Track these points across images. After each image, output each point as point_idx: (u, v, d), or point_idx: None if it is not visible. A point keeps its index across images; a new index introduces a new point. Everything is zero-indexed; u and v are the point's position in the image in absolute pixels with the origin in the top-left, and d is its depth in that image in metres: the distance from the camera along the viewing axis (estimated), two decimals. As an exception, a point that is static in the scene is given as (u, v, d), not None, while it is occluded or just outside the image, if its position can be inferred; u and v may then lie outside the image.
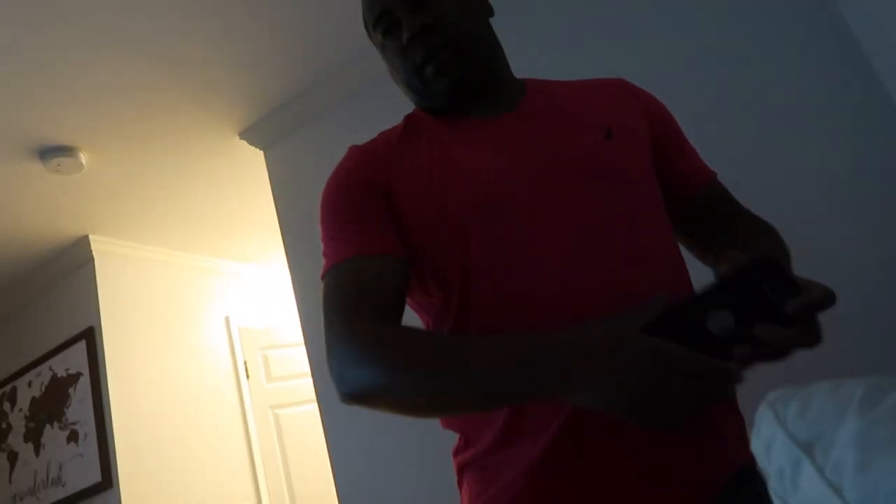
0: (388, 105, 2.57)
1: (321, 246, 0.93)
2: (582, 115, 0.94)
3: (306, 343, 2.59)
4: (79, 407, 3.08)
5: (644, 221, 0.88)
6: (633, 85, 1.05)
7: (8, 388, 3.41)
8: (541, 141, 0.91)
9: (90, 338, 3.13)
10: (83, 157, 2.66)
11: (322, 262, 0.91)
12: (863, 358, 1.63)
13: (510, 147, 0.90)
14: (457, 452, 0.92)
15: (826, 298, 0.68)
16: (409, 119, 1.00)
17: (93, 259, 3.24)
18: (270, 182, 2.82)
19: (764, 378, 1.74)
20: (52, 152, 2.59)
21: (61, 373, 3.21)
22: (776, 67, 1.91)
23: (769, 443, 0.45)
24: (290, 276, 2.70)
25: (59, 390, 3.19)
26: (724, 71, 1.97)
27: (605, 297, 0.78)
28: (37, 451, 3.19)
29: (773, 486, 0.44)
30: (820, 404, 0.43)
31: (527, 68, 1.16)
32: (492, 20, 1.01)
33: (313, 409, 3.43)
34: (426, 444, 2.12)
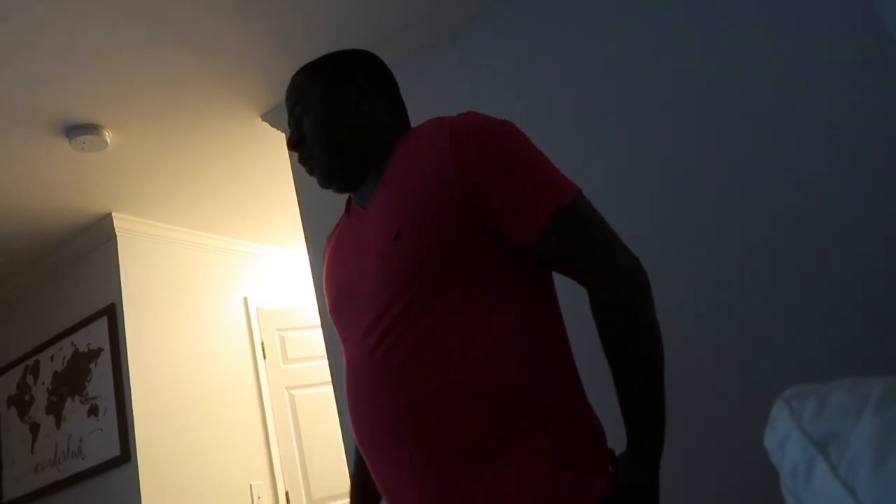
0: (414, 87, 2.57)
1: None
2: (386, 211, 1.02)
3: (323, 326, 2.61)
4: (99, 382, 3.14)
5: (418, 323, 0.94)
6: (453, 131, 0.97)
7: (31, 361, 3.48)
8: (346, 267, 1.08)
9: (111, 314, 3.17)
10: (108, 136, 2.69)
11: None
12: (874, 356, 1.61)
13: (339, 267, 1.11)
14: None
15: None
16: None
17: (115, 237, 3.28)
18: (291, 164, 2.83)
19: (780, 375, 1.72)
20: (77, 130, 2.62)
21: (83, 348, 3.26)
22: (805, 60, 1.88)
23: (783, 439, 0.45)
24: (308, 259, 2.72)
25: (80, 365, 3.25)
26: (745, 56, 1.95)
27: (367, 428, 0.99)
28: (58, 424, 3.26)
29: (786, 483, 0.44)
30: (837, 402, 0.43)
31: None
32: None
33: (328, 391, 3.47)
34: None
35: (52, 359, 3.39)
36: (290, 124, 1.16)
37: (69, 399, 3.25)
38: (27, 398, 3.44)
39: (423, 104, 2.50)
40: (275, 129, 2.88)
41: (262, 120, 2.85)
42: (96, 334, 3.22)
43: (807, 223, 1.80)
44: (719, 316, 1.86)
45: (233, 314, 3.67)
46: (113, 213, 3.26)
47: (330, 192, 2.65)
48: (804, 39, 1.89)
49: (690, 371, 1.85)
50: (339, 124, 1.10)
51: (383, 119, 1.12)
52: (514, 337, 0.94)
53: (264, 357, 3.71)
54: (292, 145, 1.13)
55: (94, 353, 3.20)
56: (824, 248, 1.76)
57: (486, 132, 0.97)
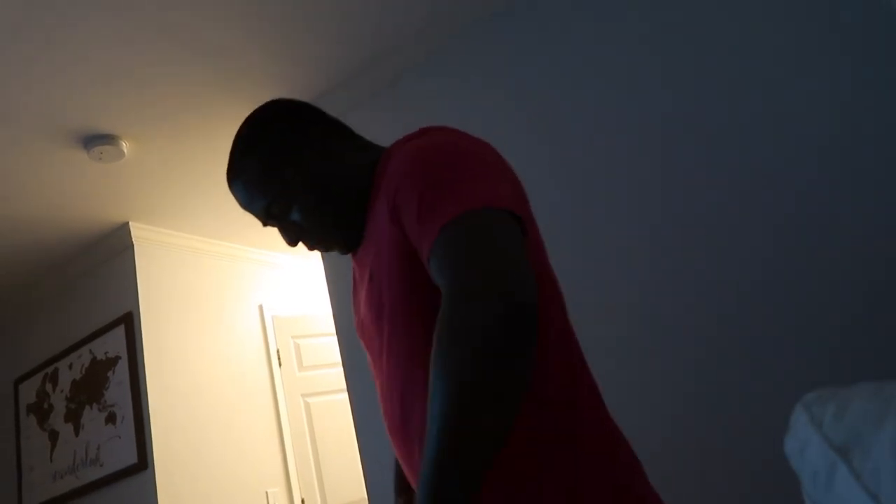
0: (428, 96, 2.58)
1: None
2: (365, 250, 0.99)
3: (338, 333, 2.61)
4: (117, 390, 3.16)
5: (389, 363, 0.93)
6: (394, 166, 0.90)
7: (50, 369, 3.51)
8: (357, 306, 1.07)
9: (129, 322, 3.20)
10: (124, 146, 2.72)
11: None
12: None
13: (354, 291, 1.10)
14: None
15: None
16: None
17: (132, 245, 3.31)
18: (305, 173, 2.84)
19: (800, 379, 1.69)
20: (95, 140, 2.65)
21: (101, 356, 3.29)
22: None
23: (803, 445, 0.44)
24: (322, 267, 2.73)
25: (98, 373, 3.28)
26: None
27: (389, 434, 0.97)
28: (76, 432, 3.28)
29: (808, 490, 0.43)
30: (858, 408, 0.42)
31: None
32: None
33: (343, 398, 3.47)
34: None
35: (70, 367, 3.42)
36: (269, 224, 1.04)
37: (87, 407, 3.27)
38: (46, 406, 3.47)
39: (429, 113, 2.51)
40: (289, 138, 2.90)
41: (277, 128, 2.87)
42: (114, 342, 3.24)
43: (810, 226, 1.78)
44: (725, 319, 1.84)
45: (248, 322, 3.69)
46: (130, 223, 3.29)
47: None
48: (812, 35, 1.87)
49: (701, 377, 1.83)
50: (327, 193, 1.00)
51: (351, 158, 1.02)
52: None
53: (280, 364, 3.72)
54: (295, 243, 1.02)
55: (112, 362, 3.23)
56: (830, 250, 1.74)
57: (412, 167, 0.87)
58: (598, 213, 2.11)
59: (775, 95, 1.90)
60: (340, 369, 2.60)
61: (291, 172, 0.99)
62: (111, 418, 3.14)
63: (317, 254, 3.94)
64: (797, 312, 1.77)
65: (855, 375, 1.65)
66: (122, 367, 3.17)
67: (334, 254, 2.66)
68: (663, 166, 2.03)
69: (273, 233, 3.79)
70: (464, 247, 0.74)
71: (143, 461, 2.96)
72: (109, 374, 3.22)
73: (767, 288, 1.82)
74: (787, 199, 1.84)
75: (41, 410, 3.49)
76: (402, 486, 1.21)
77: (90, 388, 3.29)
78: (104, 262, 3.42)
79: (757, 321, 1.81)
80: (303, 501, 3.46)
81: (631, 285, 2.00)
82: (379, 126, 2.61)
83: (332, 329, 2.72)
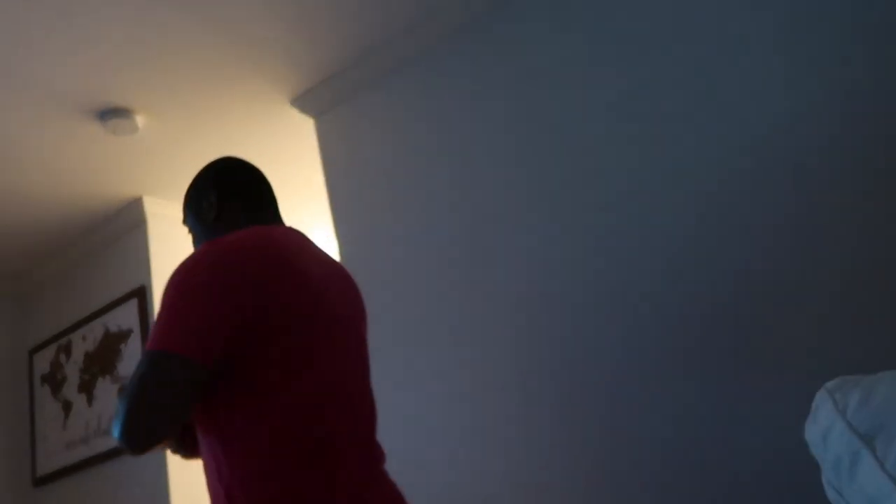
0: (446, 75, 2.56)
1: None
2: None
3: (349, 311, 2.62)
4: (129, 362, 3.19)
5: None
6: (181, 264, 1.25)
7: (63, 340, 3.55)
8: None
9: (141, 296, 3.22)
10: (138, 120, 2.72)
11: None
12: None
13: None
14: None
15: None
16: None
17: (146, 220, 3.32)
18: (320, 151, 2.83)
19: (822, 365, 1.68)
20: (109, 114, 2.65)
21: (114, 329, 3.32)
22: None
23: (826, 432, 0.43)
24: (336, 246, 2.73)
25: (111, 345, 3.31)
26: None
27: None
28: (89, 402, 3.33)
29: (829, 476, 0.43)
30: (883, 395, 0.41)
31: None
32: None
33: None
34: (455, 424, 2.14)
35: (83, 339, 3.46)
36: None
37: (100, 378, 3.31)
38: (60, 377, 3.52)
39: (458, 87, 2.49)
40: (303, 115, 2.89)
41: (291, 105, 2.86)
42: (126, 316, 3.27)
43: (812, 218, 1.76)
44: (726, 310, 1.83)
45: (259, 298, 3.70)
46: (144, 197, 3.30)
47: (359, 178, 2.67)
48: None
49: (702, 371, 1.83)
50: (196, 228, 1.45)
51: (228, 217, 1.41)
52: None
53: (290, 341, 3.74)
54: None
55: (125, 335, 3.26)
56: (825, 244, 1.73)
57: (170, 280, 1.20)
58: (599, 212, 2.09)
59: (772, 94, 1.88)
60: (351, 347, 2.61)
61: (188, 205, 1.46)
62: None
63: (330, 230, 3.94)
64: (797, 306, 1.76)
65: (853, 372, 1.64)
66: (135, 341, 3.20)
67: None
68: (662, 165, 2.02)
69: (286, 208, 3.81)
70: (139, 374, 1.07)
71: (154, 433, 2.99)
72: (122, 346, 3.25)
73: (771, 280, 1.80)
74: (791, 194, 1.82)
75: (55, 380, 3.53)
76: None
77: (103, 360, 3.33)
78: (118, 236, 3.44)
79: (758, 314, 1.80)
80: (311, 477, 3.50)
81: (632, 280, 1.99)
82: (391, 109, 2.60)
83: (343, 307, 2.73)
